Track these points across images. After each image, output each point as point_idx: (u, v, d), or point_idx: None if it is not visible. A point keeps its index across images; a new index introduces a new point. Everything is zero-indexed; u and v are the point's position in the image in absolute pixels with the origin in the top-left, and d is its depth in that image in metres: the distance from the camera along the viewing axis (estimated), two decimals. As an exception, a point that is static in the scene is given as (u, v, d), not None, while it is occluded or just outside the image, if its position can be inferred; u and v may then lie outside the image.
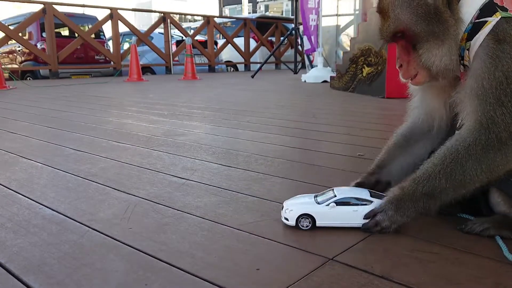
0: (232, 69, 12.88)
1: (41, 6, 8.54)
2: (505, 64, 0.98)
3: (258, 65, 9.40)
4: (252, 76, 8.46)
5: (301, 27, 8.69)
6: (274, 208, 1.32)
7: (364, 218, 1.11)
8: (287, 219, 1.15)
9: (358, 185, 1.31)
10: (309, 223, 1.13)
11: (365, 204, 1.13)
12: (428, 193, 1.05)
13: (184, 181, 1.62)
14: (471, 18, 1.04)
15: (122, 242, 1.08)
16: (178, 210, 1.32)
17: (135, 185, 1.58)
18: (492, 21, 1.00)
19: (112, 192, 1.50)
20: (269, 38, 12.54)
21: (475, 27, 1.03)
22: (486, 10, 1.01)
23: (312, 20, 7.49)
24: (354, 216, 1.12)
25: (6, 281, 0.90)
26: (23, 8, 11.16)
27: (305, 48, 8.05)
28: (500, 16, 0.99)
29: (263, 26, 12.56)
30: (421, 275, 0.91)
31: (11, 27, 8.39)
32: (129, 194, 1.47)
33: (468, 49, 1.05)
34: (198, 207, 1.34)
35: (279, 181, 1.62)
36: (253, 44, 12.31)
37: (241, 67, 12.68)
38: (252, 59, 12.34)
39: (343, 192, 1.16)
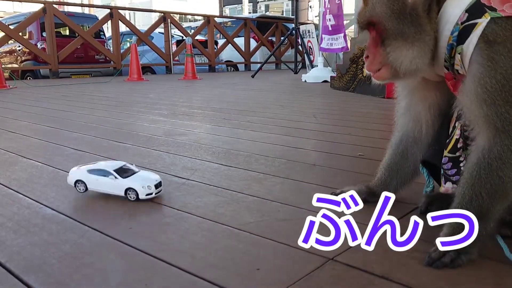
0: (232, 69, 12.87)
1: (41, 5, 8.54)
2: (502, 65, 0.95)
3: (258, 65, 9.39)
4: (253, 76, 8.46)
5: (308, 27, 8.57)
6: (274, 208, 1.32)
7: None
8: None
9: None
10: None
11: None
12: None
13: (184, 181, 1.61)
14: (456, 20, 1.01)
15: (122, 242, 1.08)
16: (178, 210, 1.32)
17: (135, 185, 1.57)
18: (482, 22, 0.97)
19: (112, 191, 1.50)
20: (270, 38, 12.53)
21: (466, 30, 1.00)
22: (474, 12, 0.98)
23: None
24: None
25: (6, 281, 0.91)
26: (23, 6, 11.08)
27: (340, 46, 7.47)
28: (489, 17, 0.96)
29: (263, 26, 12.55)
30: (421, 275, 0.91)
31: (11, 27, 8.39)
32: (129, 194, 1.47)
33: (460, 53, 1.01)
34: (198, 207, 1.34)
35: (280, 181, 1.62)
36: (253, 44, 12.30)
37: (241, 67, 12.67)
38: (252, 59, 12.33)
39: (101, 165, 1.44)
